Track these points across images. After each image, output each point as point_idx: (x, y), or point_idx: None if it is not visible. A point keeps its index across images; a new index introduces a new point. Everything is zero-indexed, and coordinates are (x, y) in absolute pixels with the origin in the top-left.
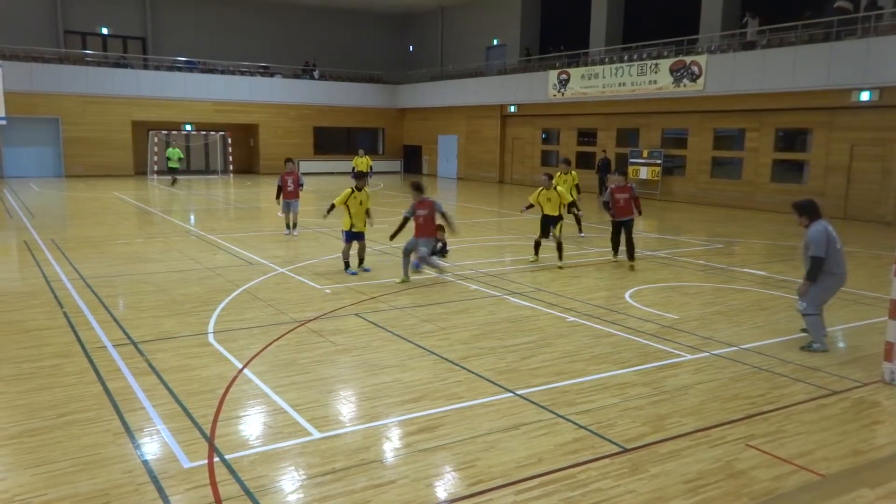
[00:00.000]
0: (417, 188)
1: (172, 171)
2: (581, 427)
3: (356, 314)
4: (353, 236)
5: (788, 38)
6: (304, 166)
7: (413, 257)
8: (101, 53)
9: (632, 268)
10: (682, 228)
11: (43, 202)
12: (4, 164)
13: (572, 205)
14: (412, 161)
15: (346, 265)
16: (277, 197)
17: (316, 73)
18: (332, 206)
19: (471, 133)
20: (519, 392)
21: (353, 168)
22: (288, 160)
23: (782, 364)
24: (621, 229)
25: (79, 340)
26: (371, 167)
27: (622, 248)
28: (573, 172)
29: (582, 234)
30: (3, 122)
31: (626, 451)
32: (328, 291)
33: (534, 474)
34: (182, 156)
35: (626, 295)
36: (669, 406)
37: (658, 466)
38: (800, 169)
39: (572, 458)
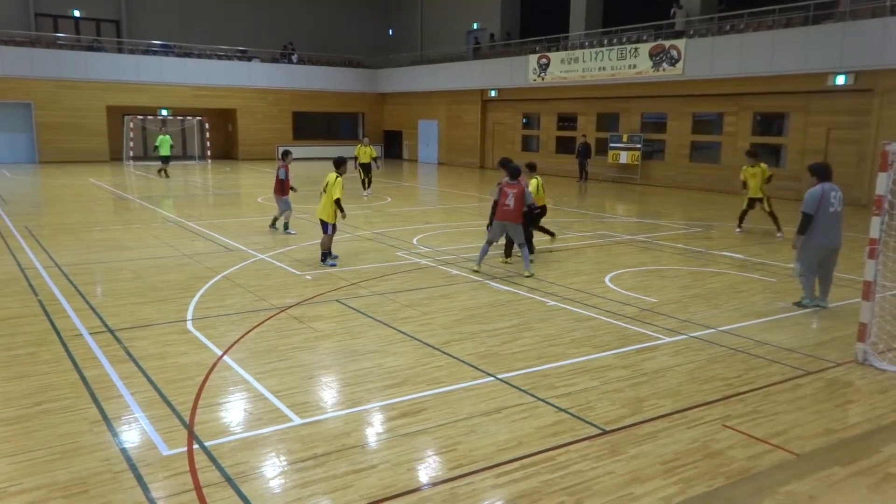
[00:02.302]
0: (512, 171)
1: (164, 159)
2: (561, 410)
3: (337, 300)
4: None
5: (766, 21)
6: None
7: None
8: (74, 37)
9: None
10: (661, 212)
11: (16, 189)
12: None
13: (757, 200)
14: (393, 146)
15: (330, 255)
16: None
17: (294, 58)
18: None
19: (451, 118)
20: (500, 376)
21: (356, 158)
22: (287, 152)
23: (759, 346)
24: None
25: (54, 328)
26: (375, 158)
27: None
28: (762, 165)
29: (780, 235)
30: None
31: (605, 433)
32: (309, 277)
33: (514, 457)
34: (172, 143)
35: (606, 279)
36: (648, 388)
37: (636, 448)
38: (777, 152)
39: (552, 441)
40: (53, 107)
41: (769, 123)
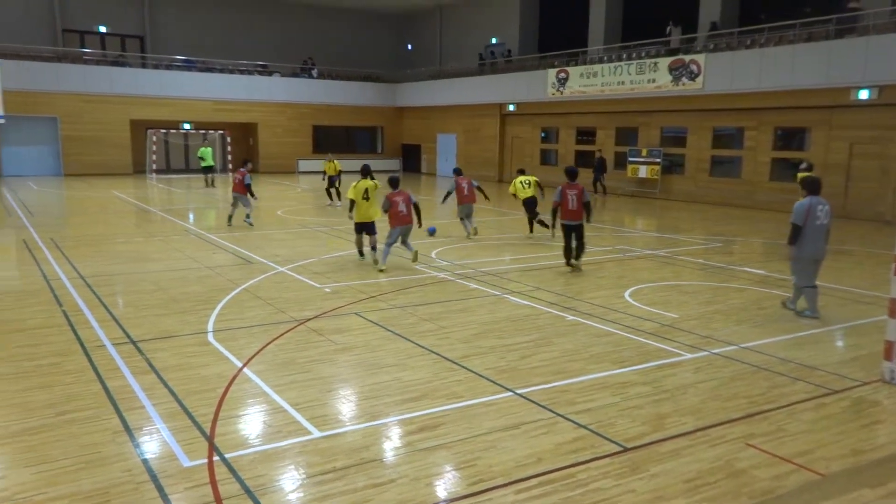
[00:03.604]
0: (571, 174)
1: (207, 170)
2: (581, 426)
3: (356, 313)
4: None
5: (787, 36)
6: (303, 165)
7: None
8: (100, 52)
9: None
10: (681, 227)
11: (42, 201)
12: (3, 163)
13: None
14: (411, 160)
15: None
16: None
17: (314, 72)
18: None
19: (470, 132)
20: (519, 391)
21: (324, 173)
22: (246, 161)
23: (782, 363)
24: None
25: (78, 339)
26: (339, 171)
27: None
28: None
29: None
30: (2, 121)
31: (626, 450)
32: (328, 290)
33: (534, 473)
34: (213, 153)
35: (626, 294)
36: (669, 405)
37: (658, 466)
38: (798, 168)
39: (572, 458)
40: (78, 121)
41: (790, 138)
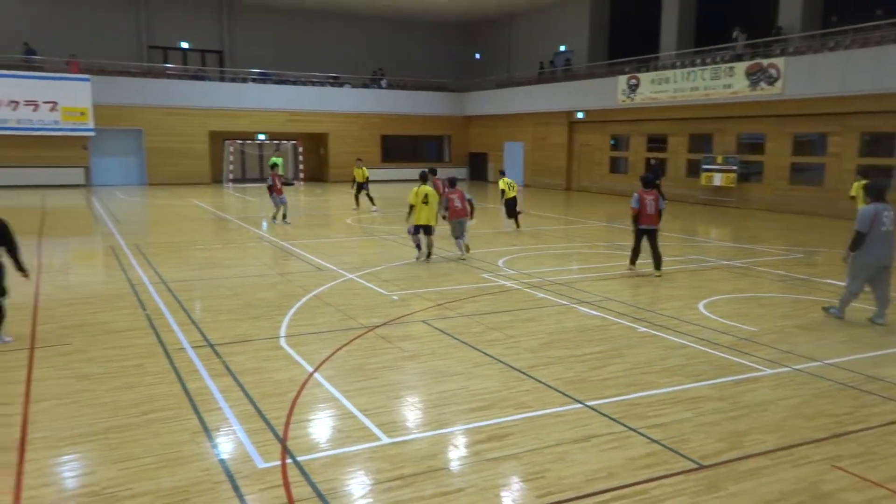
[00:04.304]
0: (646, 181)
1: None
2: (654, 441)
3: (423, 321)
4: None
5: (874, 37)
6: (372, 174)
7: None
8: (182, 67)
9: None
10: (759, 237)
11: (128, 209)
12: (93, 174)
13: None
14: (478, 168)
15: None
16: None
17: (384, 82)
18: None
19: (537, 140)
20: (589, 403)
21: (353, 180)
22: (274, 164)
23: (870, 381)
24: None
25: (160, 342)
26: (367, 178)
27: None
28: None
29: None
30: (93, 134)
31: (702, 467)
32: (395, 298)
33: (605, 488)
34: (283, 162)
35: (700, 305)
36: (748, 422)
37: (737, 485)
38: (888, 174)
39: (645, 473)
40: (161, 133)
41: (878, 143)
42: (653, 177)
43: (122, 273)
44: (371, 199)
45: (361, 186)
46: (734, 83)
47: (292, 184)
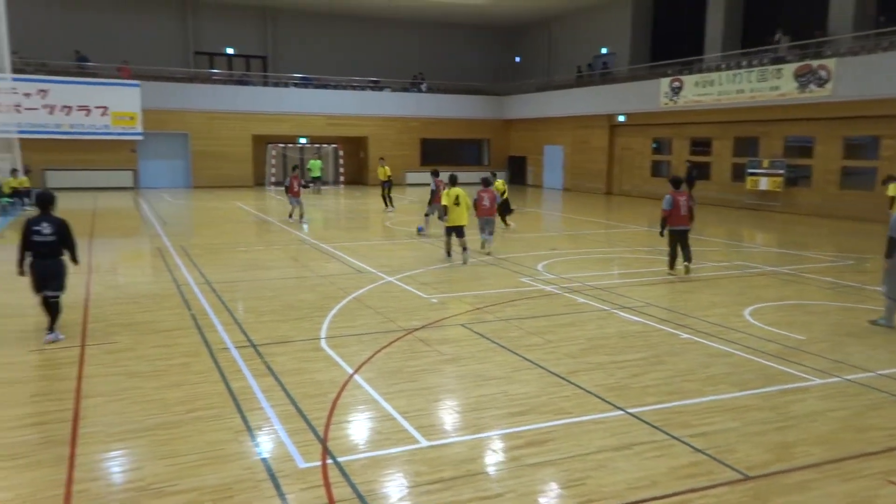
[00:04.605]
0: (676, 182)
1: (315, 180)
2: (697, 450)
3: (462, 324)
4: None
5: None
6: (411, 177)
7: None
8: (226, 72)
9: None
10: (807, 243)
11: (174, 211)
12: (141, 177)
13: None
14: (517, 172)
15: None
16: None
17: (424, 86)
18: (445, 208)
19: (577, 143)
20: (630, 410)
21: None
22: (294, 167)
23: None
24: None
25: (205, 341)
26: (390, 177)
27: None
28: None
29: None
30: (141, 138)
31: (747, 478)
32: (434, 301)
33: (647, 497)
34: (322, 166)
35: (746, 312)
36: (796, 433)
37: (784, 498)
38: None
39: (689, 483)
40: (206, 136)
41: None
42: (681, 179)
43: (169, 274)
44: (390, 199)
45: (384, 185)
46: (782, 85)
47: (308, 187)
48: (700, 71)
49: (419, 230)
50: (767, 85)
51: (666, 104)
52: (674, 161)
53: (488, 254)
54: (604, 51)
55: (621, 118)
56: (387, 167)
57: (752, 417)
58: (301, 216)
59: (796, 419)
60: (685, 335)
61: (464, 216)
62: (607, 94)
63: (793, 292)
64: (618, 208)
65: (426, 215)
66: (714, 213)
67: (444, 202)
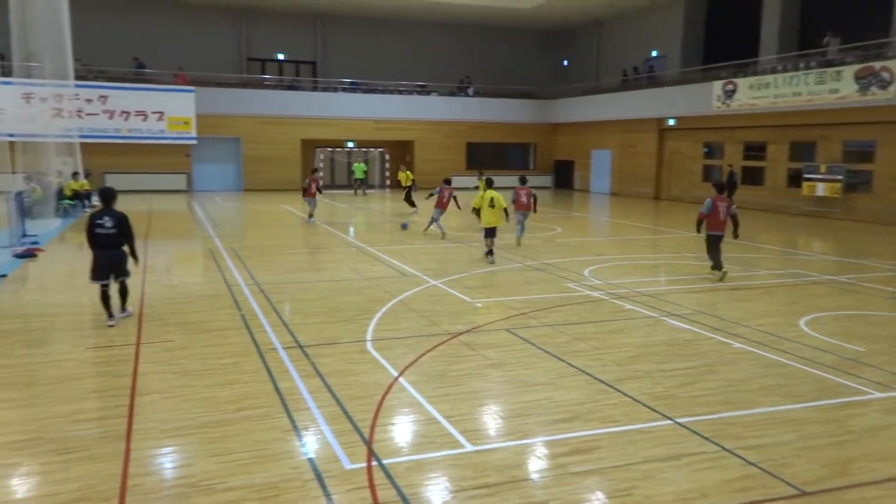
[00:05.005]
0: (719, 187)
1: (358, 182)
2: (750, 463)
3: (507, 329)
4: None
5: None
6: (457, 181)
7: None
8: (277, 78)
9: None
10: (867, 251)
11: (225, 214)
12: (194, 180)
13: None
14: (563, 176)
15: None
16: (304, 195)
17: (471, 90)
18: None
19: (625, 147)
20: (679, 420)
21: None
22: (315, 169)
23: None
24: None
25: (254, 341)
26: (413, 181)
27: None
28: None
29: None
30: (195, 142)
31: (803, 493)
32: (479, 305)
33: None
34: (366, 169)
35: (801, 322)
36: (856, 448)
37: None
38: None
39: (741, 497)
40: (257, 140)
41: None
42: (723, 183)
43: (220, 275)
44: (412, 202)
45: (408, 189)
46: (841, 88)
47: (321, 192)
48: (755, 73)
49: (403, 227)
50: (826, 87)
51: (718, 107)
52: (725, 166)
53: (518, 244)
54: (654, 53)
55: (671, 122)
56: (408, 172)
57: (809, 431)
58: (310, 216)
59: (856, 433)
60: (737, 344)
61: (498, 218)
62: (656, 97)
63: (852, 302)
64: (667, 213)
65: (433, 219)
66: (768, 220)
67: (475, 204)
